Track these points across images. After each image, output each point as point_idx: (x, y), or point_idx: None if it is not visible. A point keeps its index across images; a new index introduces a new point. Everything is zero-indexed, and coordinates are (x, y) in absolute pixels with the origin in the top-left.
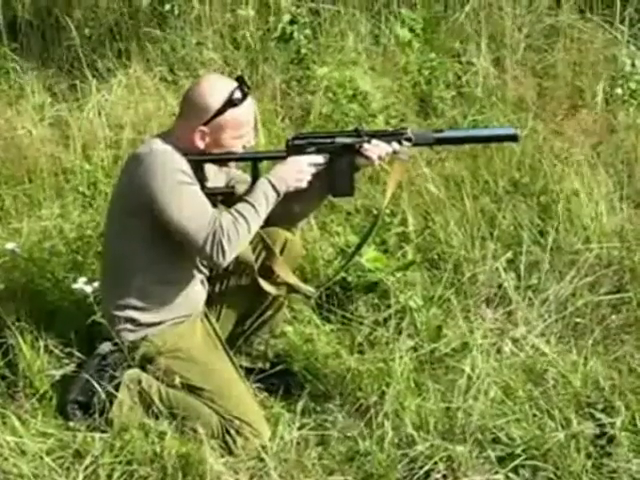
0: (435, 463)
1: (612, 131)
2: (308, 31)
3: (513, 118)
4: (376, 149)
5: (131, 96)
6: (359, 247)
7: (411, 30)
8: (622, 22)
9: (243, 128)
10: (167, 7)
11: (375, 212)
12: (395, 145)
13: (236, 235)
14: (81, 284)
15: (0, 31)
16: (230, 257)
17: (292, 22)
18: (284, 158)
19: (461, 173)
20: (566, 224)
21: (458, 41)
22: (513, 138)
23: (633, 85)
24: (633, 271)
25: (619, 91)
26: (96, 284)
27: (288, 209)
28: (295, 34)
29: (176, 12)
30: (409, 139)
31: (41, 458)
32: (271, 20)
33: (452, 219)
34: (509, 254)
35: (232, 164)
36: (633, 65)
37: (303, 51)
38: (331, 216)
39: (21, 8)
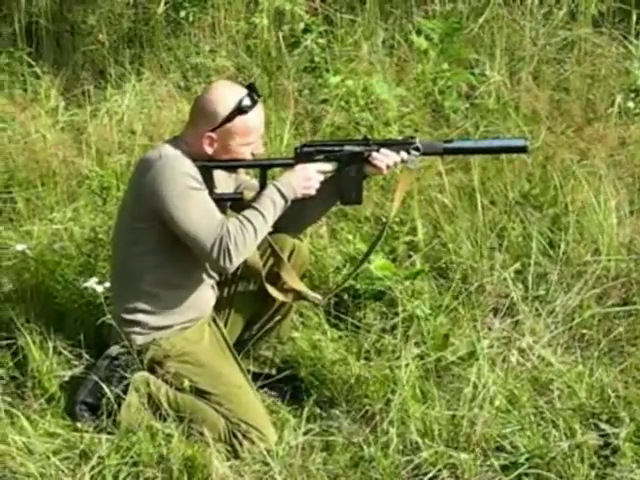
0: (439, 470)
1: (623, 144)
2: (322, 40)
3: (526, 130)
4: (385, 158)
5: (144, 102)
6: (367, 255)
7: (427, 38)
8: (636, 36)
9: (252, 135)
10: (182, 14)
11: (384, 220)
12: (403, 154)
13: (243, 241)
14: (92, 283)
15: (16, 36)
16: (236, 263)
17: (306, 30)
18: (292, 165)
19: (471, 183)
20: (575, 236)
21: (473, 52)
22: (523, 149)
23: None
24: None
25: (631, 105)
26: (107, 284)
27: (296, 216)
28: (309, 43)
29: (190, 19)
30: (418, 149)
31: (48, 458)
32: (285, 28)
33: (461, 229)
34: (517, 265)
35: (241, 170)
36: None
37: (316, 59)
38: (341, 224)
39: (37, 13)
